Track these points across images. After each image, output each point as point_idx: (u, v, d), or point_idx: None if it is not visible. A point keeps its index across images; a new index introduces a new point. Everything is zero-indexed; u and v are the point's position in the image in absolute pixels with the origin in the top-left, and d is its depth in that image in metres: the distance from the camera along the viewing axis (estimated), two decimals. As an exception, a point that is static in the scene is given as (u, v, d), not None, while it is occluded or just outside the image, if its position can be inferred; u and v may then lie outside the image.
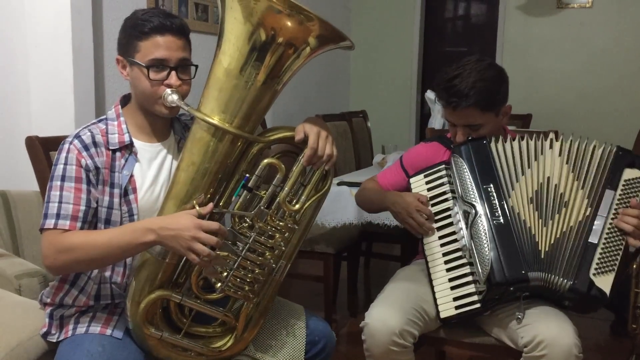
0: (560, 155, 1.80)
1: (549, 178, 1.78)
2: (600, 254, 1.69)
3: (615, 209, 1.73)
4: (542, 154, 1.81)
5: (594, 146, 1.80)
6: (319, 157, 1.48)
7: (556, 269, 1.70)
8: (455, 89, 1.80)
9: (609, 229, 1.71)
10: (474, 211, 1.74)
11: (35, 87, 2.66)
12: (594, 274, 1.67)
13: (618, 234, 1.71)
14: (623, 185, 1.76)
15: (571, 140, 1.82)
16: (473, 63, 1.83)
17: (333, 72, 5.31)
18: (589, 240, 1.70)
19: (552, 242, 1.72)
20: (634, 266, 2.07)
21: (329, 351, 1.71)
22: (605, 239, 1.71)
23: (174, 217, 1.40)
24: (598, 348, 2.94)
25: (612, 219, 1.72)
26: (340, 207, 2.68)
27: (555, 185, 1.77)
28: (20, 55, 2.64)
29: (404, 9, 5.32)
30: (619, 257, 1.69)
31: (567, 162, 1.79)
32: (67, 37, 2.60)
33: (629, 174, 1.77)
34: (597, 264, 1.68)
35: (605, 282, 1.67)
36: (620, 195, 1.75)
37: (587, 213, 1.73)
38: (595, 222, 1.72)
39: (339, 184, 2.82)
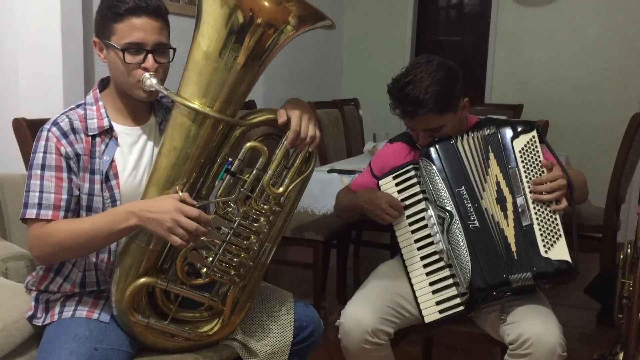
0: None
1: (498, 175, 1.76)
2: (540, 229, 1.67)
3: (527, 182, 1.71)
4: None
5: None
6: (302, 139, 1.47)
7: (521, 266, 1.67)
8: (409, 97, 1.75)
9: (532, 203, 1.69)
10: (448, 216, 1.72)
11: (24, 69, 2.62)
12: (546, 251, 1.65)
13: (543, 205, 1.69)
14: (520, 158, 1.73)
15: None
16: (423, 66, 1.78)
17: (325, 60, 5.29)
18: (523, 225, 1.69)
19: (514, 240, 1.70)
20: (621, 256, 2.08)
21: (317, 337, 1.72)
22: (535, 214, 1.69)
23: (156, 201, 1.39)
24: (584, 337, 2.96)
25: (530, 193, 1.70)
26: (330, 195, 2.65)
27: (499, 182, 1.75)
28: (8, 37, 2.61)
29: (398, -3, 5.29)
30: (558, 223, 1.67)
31: (497, 156, 1.77)
32: (56, 18, 2.56)
33: (518, 144, 1.75)
34: (542, 240, 1.66)
35: (560, 252, 1.65)
36: (523, 168, 1.72)
37: (512, 200, 1.71)
38: (519, 205, 1.70)
39: (330, 171, 2.81)
